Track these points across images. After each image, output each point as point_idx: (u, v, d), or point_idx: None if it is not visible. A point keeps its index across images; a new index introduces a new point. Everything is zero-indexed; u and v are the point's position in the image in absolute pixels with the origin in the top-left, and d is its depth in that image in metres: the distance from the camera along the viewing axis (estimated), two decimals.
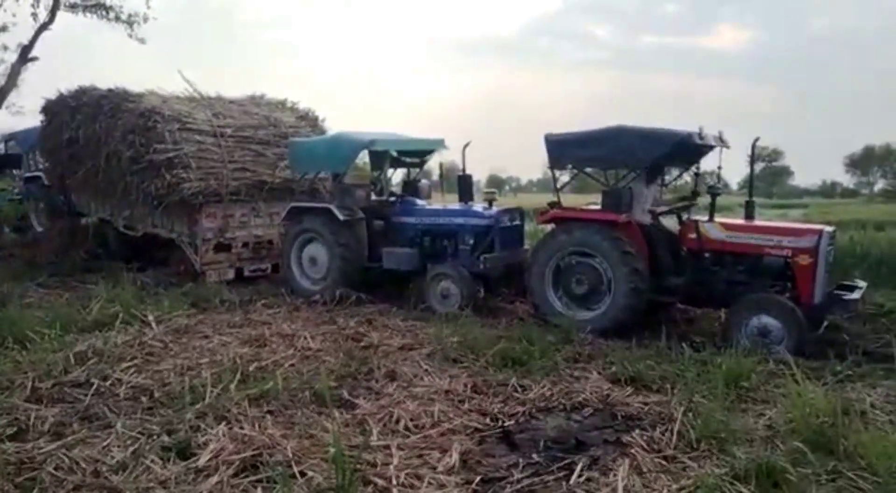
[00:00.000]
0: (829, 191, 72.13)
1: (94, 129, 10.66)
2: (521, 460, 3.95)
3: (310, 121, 12.09)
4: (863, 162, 76.72)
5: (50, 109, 11.71)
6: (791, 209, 27.56)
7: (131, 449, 3.97)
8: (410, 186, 10.01)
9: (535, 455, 4.02)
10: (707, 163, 7.72)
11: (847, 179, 78.33)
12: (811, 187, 75.89)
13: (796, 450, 3.84)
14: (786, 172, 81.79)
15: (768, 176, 77.86)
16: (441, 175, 10.83)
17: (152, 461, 3.81)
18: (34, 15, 15.94)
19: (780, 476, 3.55)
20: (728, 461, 3.77)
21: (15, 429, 4.35)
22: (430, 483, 3.60)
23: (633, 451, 4.00)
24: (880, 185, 71.01)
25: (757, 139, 7.04)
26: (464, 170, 9.37)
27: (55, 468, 3.73)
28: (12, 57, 16.50)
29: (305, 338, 6.58)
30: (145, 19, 17.14)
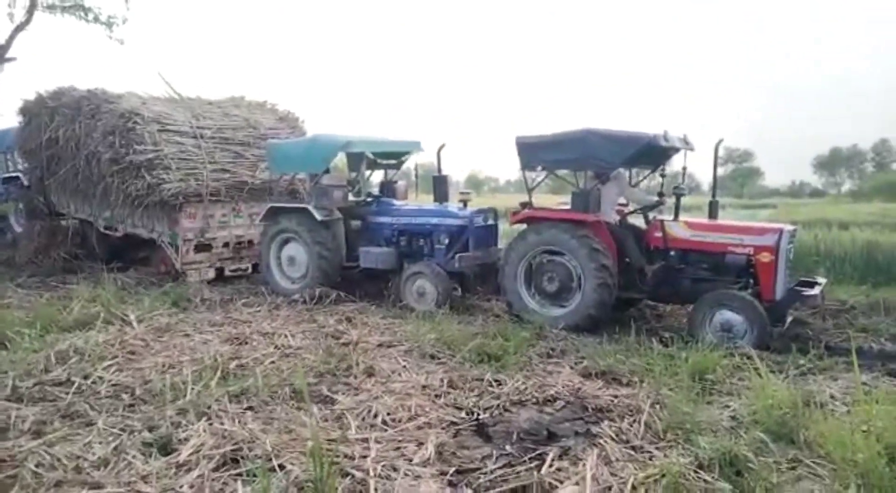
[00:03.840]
0: (797, 191, 73.03)
1: (73, 130, 10.69)
2: (494, 451, 4.06)
3: (290, 122, 12.17)
4: (830, 163, 77.91)
5: (28, 109, 11.68)
6: (760, 209, 27.93)
7: (113, 445, 4.04)
8: (387, 187, 10.14)
9: (508, 447, 4.12)
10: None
11: (815, 180, 79.52)
12: (781, 188, 76.77)
13: (758, 440, 4.00)
14: (756, 172, 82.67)
15: (739, 177, 78.72)
16: (416, 176, 10.97)
17: (134, 456, 3.89)
18: (10, 15, 15.83)
19: (742, 465, 3.71)
20: (693, 451, 3.91)
21: None
22: (406, 475, 3.69)
23: (602, 441, 4.13)
24: (847, 185, 72.03)
25: (720, 141, 7.26)
26: (439, 171, 9.50)
27: (36, 465, 3.76)
28: None
29: (285, 336, 6.68)
30: (124, 21, 17.07)
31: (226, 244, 10.74)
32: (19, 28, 15.71)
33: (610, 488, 3.55)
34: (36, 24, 16.38)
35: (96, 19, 16.82)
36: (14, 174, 13.95)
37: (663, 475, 3.61)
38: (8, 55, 15.74)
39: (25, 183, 13.15)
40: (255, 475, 3.55)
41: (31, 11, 15.91)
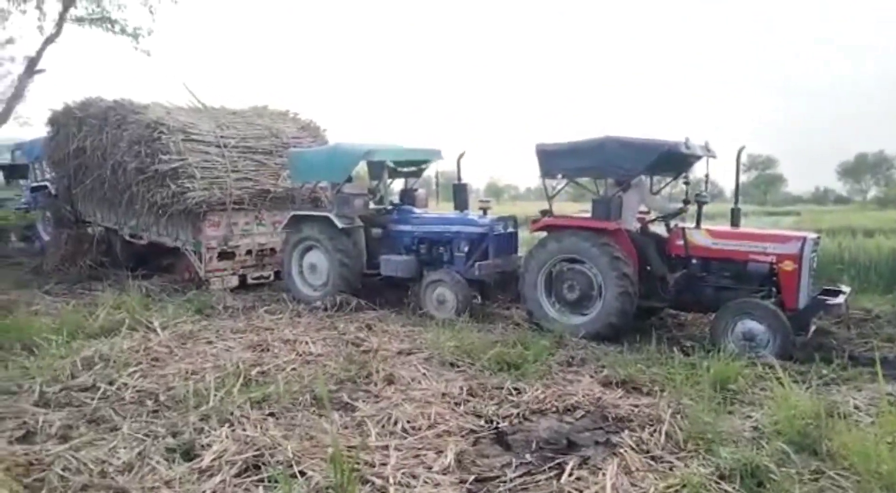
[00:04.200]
0: (822, 198, 71.93)
1: (100, 139, 10.90)
2: (514, 460, 4.06)
3: (311, 131, 12.28)
4: (855, 170, 76.66)
5: (56, 119, 11.95)
6: (784, 216, 27.63)
7: (137, 451, 4.11)
8: (408, 195, 10.19)
9: (527, 455, 4.12)
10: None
11: (840, 187, 78.26)
12: (804, 195, 75.73)
13: (780, 451, 3.97)
14: (779, 179, 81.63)
15: (762, 184, 77.81)
16: (437, 184, 11.02)
17: (157, 461, 3.96)
18: (40, 28, 16.16)
19: (764, 476, 3.68)
20: (714, 461, 3.89)
21: (23, 432, 4.48)
22: (425, 482, 3.72)
23: (622, 451, 4.11)
24: (873, 192, 70.66)
25: (742, 148, 7.20)
26: (459, 179, 9.54)
27: (63, 469, 3.86)
28: (19, 69, 16.72)
29: (307, 343, 6.73)
30: (150, 32, 17.36)
31: (249, 252, 10.86)
32: (49, 40, 16.04)
33: None
34: (64, 37, 16.71)
35: (123, 31, 17.13)
36: (42, 183, 14.24)
37: (684, 486, 3.61)
38: (38, 67, 16.06)
39: (53, 192, 13.42)
40: (276, 481, 3.60)
41: (60, 24, 16.24)
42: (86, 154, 11.27)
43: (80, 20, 16.74)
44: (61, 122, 11.86)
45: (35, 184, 14.75)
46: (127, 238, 11.51)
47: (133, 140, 10.34)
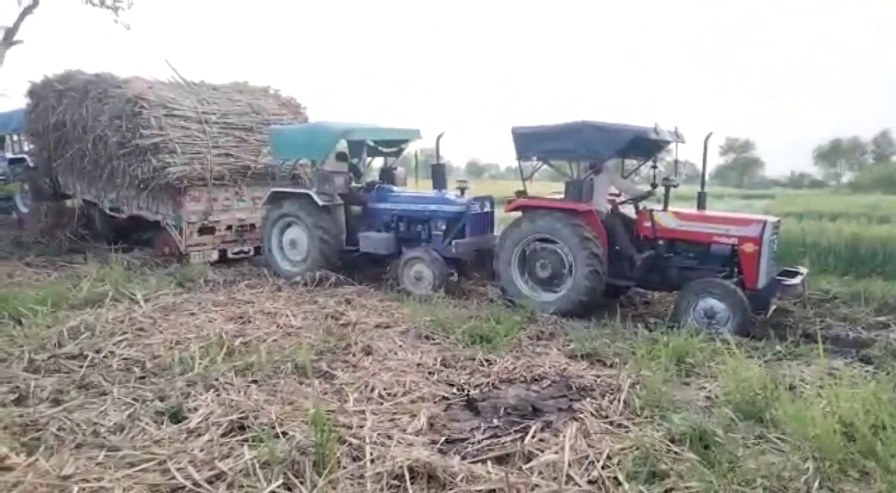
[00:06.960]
0: (797, 182, 72.67)
1: (80, 113, 10.90)
2: (482, 424, 4.35)
3: (292, 108, 12.36)
4: (831, 154, 77.60)
5: (36, 92, 11.89)
6: (758, 199, 28.11)
7: (127, 413, 4.34)
8: (387, 174, 10.39)
9: (495, 420, 4.41)
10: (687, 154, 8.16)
11: (816, 171, 79.09)
12: (781, 178, 76.49)
13: (729, 418, 4.27)
14: (756, 163, 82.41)
15: (740, 167, 78.63)
16: (416, 164, 11.21)
17: (147, 423, 4.18)
18: None
19: (711, 440, 3.96)
20: (666, 426, 4.17)
21: (16, 396, 4.69)
22: (399, 442, 3.97)
23: (582, 416, 4.40)
24: (847, 177, 71.53)
25: (710, 135, 7.49)
26: (438, 159, 9.75)
27: (57, 429, 4.08)
28: None
29: (287, 316, 6.95)
30: (130, 5, 17.15)
31: (229, 227, 11.00)
32: (27, 11, 15.79)
33: (587, 457, 3.82)
34: (43, 8, 16.43)
35: (102, 3, 16.90)
36: (20, 156, 14.20)
37: (636, 448, 3.87)
38: (15, 38, 15.84)
39: (32, 164, 13.41)
40: (260, 440, 3.82)
41: None
42: (66, 127, 11.27)
43: None
44: (41, 94, 11.82)
45: (13, 156, 14.69)
46: (107, 212, 11.58)
47: (114, 114, 10.38)
